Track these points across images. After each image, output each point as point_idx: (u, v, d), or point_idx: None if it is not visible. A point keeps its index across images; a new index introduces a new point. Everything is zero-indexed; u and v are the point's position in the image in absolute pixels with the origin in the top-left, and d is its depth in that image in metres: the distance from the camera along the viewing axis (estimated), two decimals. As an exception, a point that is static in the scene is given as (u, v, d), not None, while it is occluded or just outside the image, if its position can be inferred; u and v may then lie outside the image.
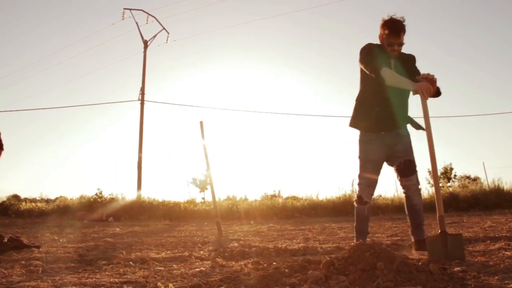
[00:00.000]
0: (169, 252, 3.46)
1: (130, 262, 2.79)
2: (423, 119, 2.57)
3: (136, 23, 17.67)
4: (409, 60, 2.90)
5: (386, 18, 2.78)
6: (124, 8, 17.75)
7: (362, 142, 2.91)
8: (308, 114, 27.49)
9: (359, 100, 2.95)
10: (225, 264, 2.63)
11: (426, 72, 2.65)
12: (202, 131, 4.15)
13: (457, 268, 1.93)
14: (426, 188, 13.30)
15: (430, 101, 2.59)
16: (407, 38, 2.78)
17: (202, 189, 14.67)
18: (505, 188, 10.48)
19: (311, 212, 10.65)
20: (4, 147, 4.80)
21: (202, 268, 2.50)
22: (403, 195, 2.93)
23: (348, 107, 3.06)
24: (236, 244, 3.82)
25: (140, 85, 16.85)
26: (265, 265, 2.36)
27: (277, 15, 54.21)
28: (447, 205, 9.37)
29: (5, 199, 15.37)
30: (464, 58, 41.90)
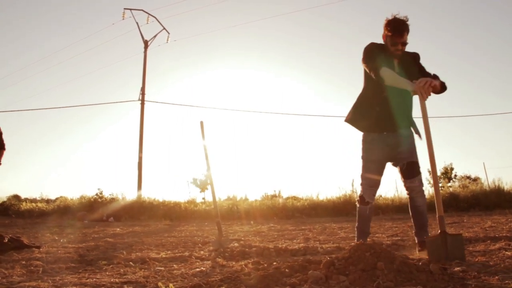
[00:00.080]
0: (169, 252, 3.46)
1: (131, 262, 2.79)
2: (421, 119, 2.57)
3: (137, 23, 17.68)
4: (413, 59, 2.90)
5: (390, 18, 2.78)
6: (125, 8, 17.76)
7: (364, 142, 2.92)
8: (308, 114, 27.53)
9: (360, 99, 2.95)
10: (226, 264, 2.63)
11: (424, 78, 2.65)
12: (203, 131, 4.16)
13: (458, 268, 1.93)
14: (426, 188, 13.24)
15: (431, 100, 2.58)
16: (408, 38, 2.78)
17: (203, 189, 14.68)
18: (505, 188, 10.48)
19: (312, 212, 10.65)
20: (6, 146, 4.82)
21: (202, 268, 2.50)
22: (404, 195, 2.94)
23: (348, 107, 3.06)
24: (236, 244, 3.83)
25: (141, 85, 16.86)
26: (266, 265, 2.36)
27: (277, 15, 54.25)
28: (447, 205, 9.37)
29: (5, 199, 15.37)
30: (464, 58, 41.90)
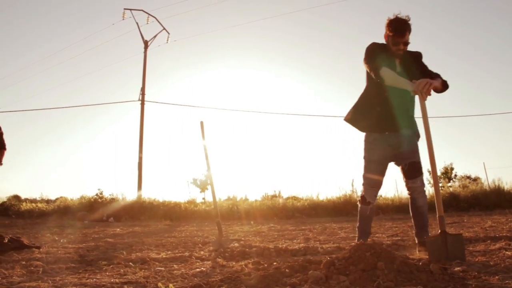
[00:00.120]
0: (169, 252, 3.46)
1: (131, 263, 2.79)
2: (421, 119, 2.57)
3: (137, 23, 17.70)
4: (415, 58, 2.89)
5: (392, 17, 2.78)
6: (125, 8, 17.77)
7: (366, 142, 2.92)
8: (308, 114, 27.55)
9: (362, 99, 2.95)
10: (226, 264, 2.63)
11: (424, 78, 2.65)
12: (203, 131, 4.15)
13: (458, 268, 1.93)
14: (426, 188, 13.25)
15: (431, 100, 2.58)
16: (410, 38, 2.78)
17: (203, 189, 14.70)
18: (505, 188, 10.50)
19: (312, 212, 10.65)
20: (6, 147, 4.82)
21: (202, 268, 2.50)
22: (404, 195, 2.95)
23: (348, 107, 3.06)
24: (236, 244, 3.82)
25: (141, 85, 16.87)
26: (266, 265, 2.36)
27: (277, 16, 54.35)
28: (447, 205, 9.38)
29: (5, 200, 15.38)
30: (464, 58, 41.93)
